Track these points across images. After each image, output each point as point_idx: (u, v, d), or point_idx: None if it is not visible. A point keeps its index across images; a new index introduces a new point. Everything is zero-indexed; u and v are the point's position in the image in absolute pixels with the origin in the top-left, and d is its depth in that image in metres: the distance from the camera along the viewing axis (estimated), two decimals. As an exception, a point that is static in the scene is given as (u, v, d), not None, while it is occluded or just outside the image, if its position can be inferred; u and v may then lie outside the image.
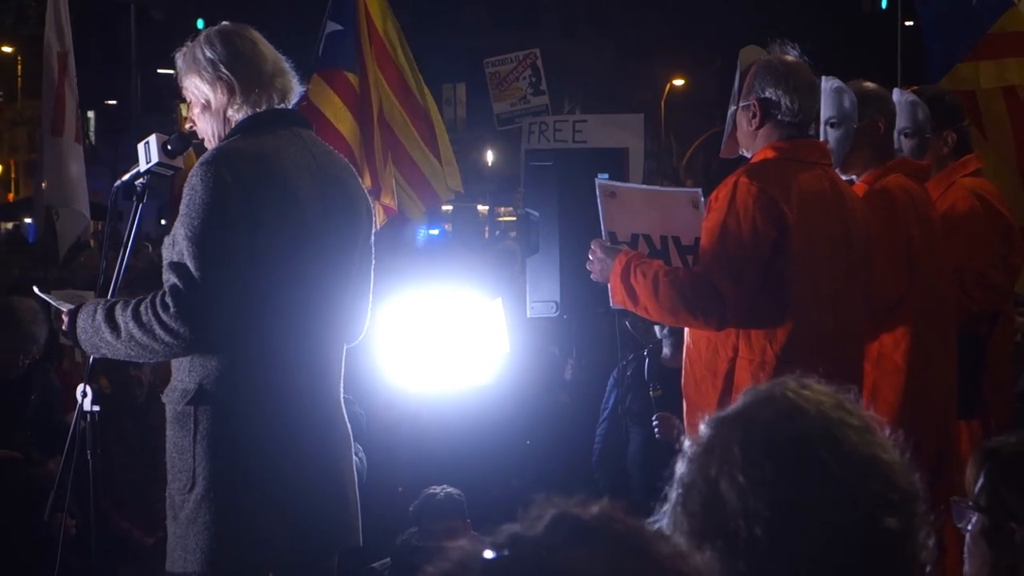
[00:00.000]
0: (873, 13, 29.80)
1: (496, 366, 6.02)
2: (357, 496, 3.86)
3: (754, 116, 4.30)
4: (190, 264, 3.53)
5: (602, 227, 4.45)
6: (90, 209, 10.15)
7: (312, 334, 3.71)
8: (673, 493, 1.67)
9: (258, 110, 3.76)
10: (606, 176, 4.97)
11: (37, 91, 12.47)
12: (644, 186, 5.68)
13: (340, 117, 7.91)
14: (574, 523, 1.17)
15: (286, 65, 3.85)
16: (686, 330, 4.35)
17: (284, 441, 3.64)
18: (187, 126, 3.89)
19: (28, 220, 26.86)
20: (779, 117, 4.27)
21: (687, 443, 1.70)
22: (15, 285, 9.41)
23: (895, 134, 5.04)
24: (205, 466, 3.58)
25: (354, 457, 3.92)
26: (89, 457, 3.94)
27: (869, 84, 4.99)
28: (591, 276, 4.38)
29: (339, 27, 8.04)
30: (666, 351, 6.38)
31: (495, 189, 33.64)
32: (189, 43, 3.83)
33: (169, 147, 3.84)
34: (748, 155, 4.41)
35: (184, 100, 3.93)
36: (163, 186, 4.53)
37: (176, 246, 3.59)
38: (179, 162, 3.95)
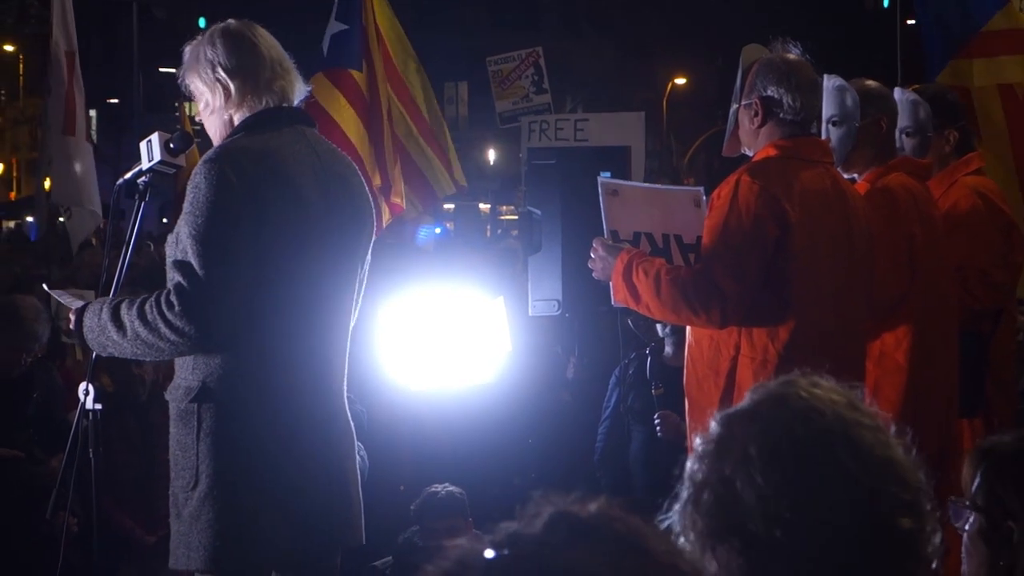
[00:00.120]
0: (874, 12, 29.79)
1: (498, 365, 6.02)
2: (360, 495, 3.86)
3: (756, 114, 4.30)
4: (194, 262, 3.52)
5: (604, 225, 4.45)
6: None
7: (316, 332, 3.70)
8: (684, 491, 1.65)
9: (257, 110, 3.75)
10: (608, 174, 4.95)
11: (39, 90, 12.49)
12: (646, 184, 5.67)
13: (344, 117, 7.89)
14: (573, 522, 1.17)
15: (290, 64, 3.82)
16: (688, 328, 4.35)
17: (287, 439, 3.63)
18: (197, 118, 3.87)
19: (30, 219, 26.82)
20: (781, 115, 4.27)
21: (697, 441, 1.69)
22: (17, 283, 9.41)
23: (897, 133, 5.04)
24: (209, 464, 3.57)
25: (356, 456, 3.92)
26: (91, 455, 3.94)
27: (871, 83, 4.99)
28: (593, 274, 4.37)
29: (344, 27, 8.01)
30: (668, 349, 6.38)
31: (497, 188, 33.59)
32: (196, 39, 3.82)
33: (171, 145, 3.84)
34: (750, 153, 4.40)
35: (188, 99, 3.92)
36: (165, 184, 4.54)
37: (180, 244, 3.58)
38: (181, 160, 3.95)
